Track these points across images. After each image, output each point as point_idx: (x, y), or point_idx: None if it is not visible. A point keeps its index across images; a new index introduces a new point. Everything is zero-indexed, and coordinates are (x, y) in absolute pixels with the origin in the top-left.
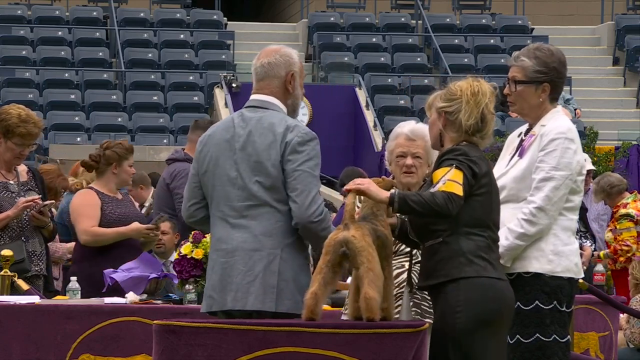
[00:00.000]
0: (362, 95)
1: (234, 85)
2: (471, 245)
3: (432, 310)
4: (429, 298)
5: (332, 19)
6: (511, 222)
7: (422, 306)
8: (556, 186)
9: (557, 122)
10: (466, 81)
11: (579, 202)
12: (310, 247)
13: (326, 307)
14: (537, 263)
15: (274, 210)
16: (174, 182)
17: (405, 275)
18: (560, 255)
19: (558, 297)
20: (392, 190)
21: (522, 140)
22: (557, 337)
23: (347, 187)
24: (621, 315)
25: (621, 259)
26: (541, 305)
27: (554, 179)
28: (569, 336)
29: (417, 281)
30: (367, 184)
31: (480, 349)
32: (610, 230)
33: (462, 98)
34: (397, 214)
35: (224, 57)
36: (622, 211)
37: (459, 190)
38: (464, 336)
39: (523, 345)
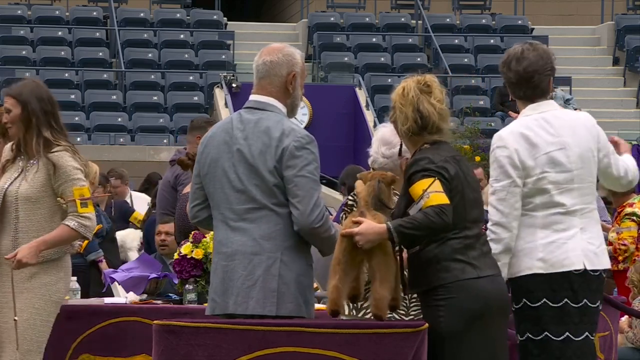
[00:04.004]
0: (362, 95)
1: (234, 85)
2: (447, 250)
3: (410, 310)
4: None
5: (332, 19)
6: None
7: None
8: (500, 198)
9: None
10: (399, 85)
11: (544, 199)
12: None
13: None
14: (507, 269)
15: (273, 213)
16: (178, 183)
17: None
18: (518, 256)
19: (526, 296)
20: (386, 225)
21: None
22: (530, 335)
23: (342, 232)
24: (622, 318)
25: (620, 258)
26: (514, 306)
27: (496, 192)
28: (546, 333)
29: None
30: (360, 231)
31: (469, 348)
32: (615, 230)
33: (396, 105)
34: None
35: (224, 57)
36: (628, 210)
37: (444, 199)
38: (451, 338)
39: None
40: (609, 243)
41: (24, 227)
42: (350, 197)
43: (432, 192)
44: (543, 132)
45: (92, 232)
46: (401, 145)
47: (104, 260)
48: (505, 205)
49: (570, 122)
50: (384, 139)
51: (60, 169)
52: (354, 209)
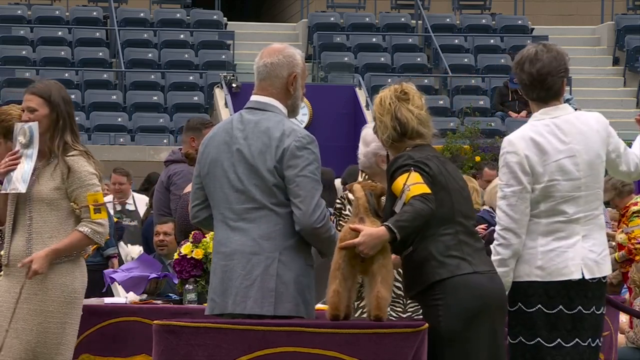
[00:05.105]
0: (362, 95)
1: (234, 85)
2: (440, 247)
3: (407, 307)
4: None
5: (332, 19)
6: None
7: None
8: (510, 203)
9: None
10: (377, 96)
11: (549, 206)
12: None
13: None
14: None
15: (273, 213)
16: (171, 184)
17: None
18: (517, 261)
19: (522, 300)
20: (385, 225)
21: None
22: (522, 339)
23: (341, 245)
24: (622, 319)
25: (637, 257)
26: (509, 307)
27: (506, 197)
28: (538, 338)
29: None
30: (361, 241)
31: (469, 347)
32: (623, 231)
33: (375, 115)
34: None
35: (224, 57)
36: (634, 208)
37: (425, 189)
38: (451, 338)
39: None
40: (618, 245)
41: (37, 228)
42: (338, 201)
43: (411, 184)
44: (553, 139)
45: (104, 238)
46: (388, 155)
47: (116, 256)
48: (516, 211)
49: (581, 128)
50: (363, 138)
51: (75, 173)
52: (342, 212)
